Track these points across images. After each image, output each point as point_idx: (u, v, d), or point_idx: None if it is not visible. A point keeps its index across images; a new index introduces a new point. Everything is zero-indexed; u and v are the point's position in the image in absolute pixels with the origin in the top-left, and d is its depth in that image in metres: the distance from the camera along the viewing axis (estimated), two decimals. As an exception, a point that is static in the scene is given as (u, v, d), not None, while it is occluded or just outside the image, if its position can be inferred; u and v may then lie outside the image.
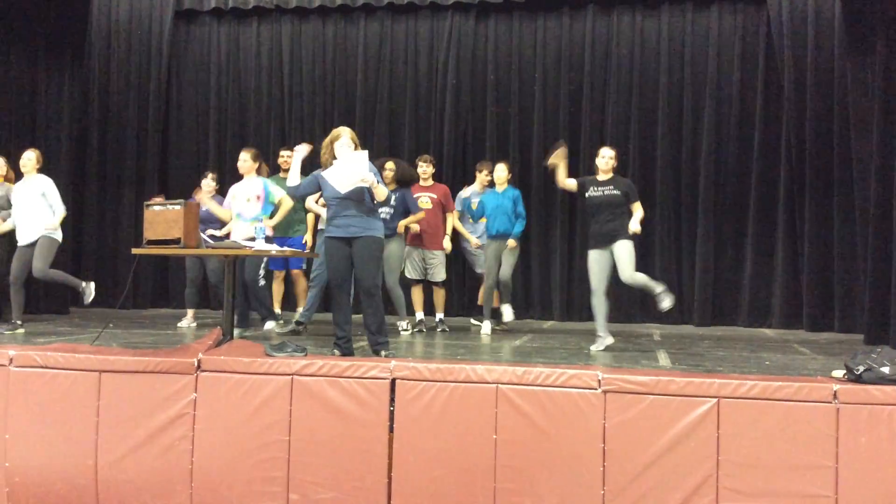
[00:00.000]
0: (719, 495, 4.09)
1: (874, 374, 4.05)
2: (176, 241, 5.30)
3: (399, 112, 9.32)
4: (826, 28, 8.09)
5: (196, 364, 4.66)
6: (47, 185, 6.85)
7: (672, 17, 8.83)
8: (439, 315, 7.39)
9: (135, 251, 5.77)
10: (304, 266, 7.52)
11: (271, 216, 6.59)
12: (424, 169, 7.38)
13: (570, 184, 6.15)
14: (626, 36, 8.92)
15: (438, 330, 7.22)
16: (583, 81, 8.95)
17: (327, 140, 5.27)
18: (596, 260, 5.97)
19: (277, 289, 7.74)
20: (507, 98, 9.16)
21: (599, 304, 5.99)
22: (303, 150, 5.46)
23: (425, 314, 7.39)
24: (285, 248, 6.06)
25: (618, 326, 8.17)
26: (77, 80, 8.85)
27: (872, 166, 6.74)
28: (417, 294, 7.37)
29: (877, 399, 3.99)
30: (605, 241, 5.93)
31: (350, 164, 5.05)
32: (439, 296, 7.43)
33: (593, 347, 5.98)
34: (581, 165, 8.87)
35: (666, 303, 5.80)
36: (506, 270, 7.02)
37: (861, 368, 4.08)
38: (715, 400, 4.12)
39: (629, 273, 5.87)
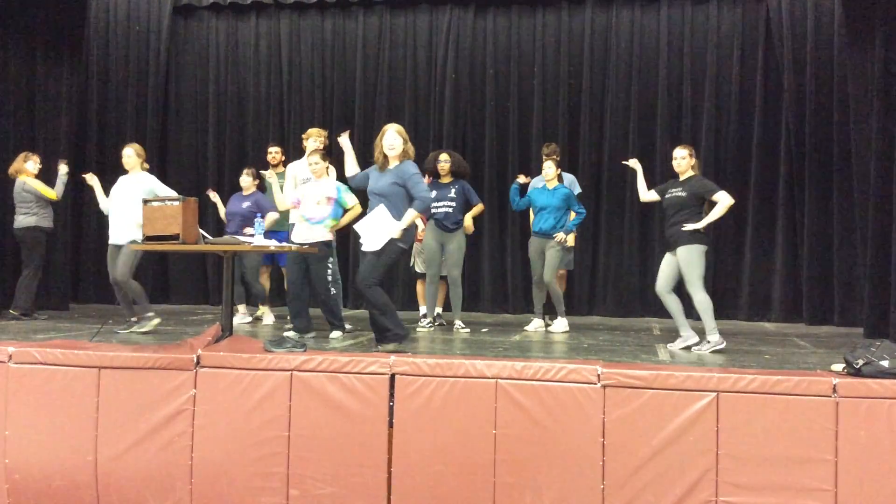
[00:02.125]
0: (718, 489, 4.10)
1: (873, 367, 4.07)
2: (174, 238, 5.28)
3: (398, 106, 9.29)
4: (825, 21, 8.06)
5: (195, 360, 4.66)
6: (155, 183, 6.50)
7: (671, 11, 8.79)
8: (437, 309, 7.39)
9: (133, 247, 5.76)
10: None
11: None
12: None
13: (652, 196, 6.03)
14: (625, 30, 8.88)
15: (437, 324, 7.22)
16: (582, 76, 8.91)
17: (378, 137, 5.44)
18: (667, 262, 5.82)
19: (265, 285, 7.65)
20: (506, 92, 9.12)
21: (670, 302, 5.79)
22: (346, 140, 5.69)
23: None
24: (284, 244, 6.03)
25: (617, 321, 8.20)
26: (75, 75, 8.81)
27: (872, 159, 6.73)
28: (423, 288, 7.35)
29: (876, 393, 4.00)
30: (669, 244, 5.79)
31: (374, 225, 5.21)
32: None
33: (672, 345, 5.78)
34: (580, 160, 8.89)
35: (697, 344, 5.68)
36: (547, 273, 6.75)
37: (860, 362, 4.09)
38: (714, 394, 4.14)
39: (695, 285, 5.58)
